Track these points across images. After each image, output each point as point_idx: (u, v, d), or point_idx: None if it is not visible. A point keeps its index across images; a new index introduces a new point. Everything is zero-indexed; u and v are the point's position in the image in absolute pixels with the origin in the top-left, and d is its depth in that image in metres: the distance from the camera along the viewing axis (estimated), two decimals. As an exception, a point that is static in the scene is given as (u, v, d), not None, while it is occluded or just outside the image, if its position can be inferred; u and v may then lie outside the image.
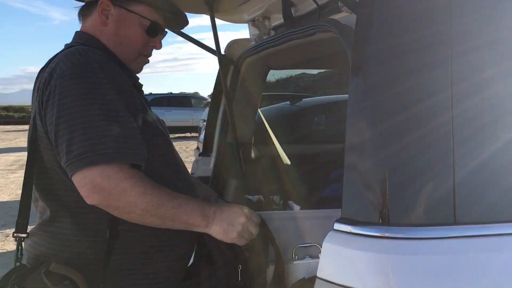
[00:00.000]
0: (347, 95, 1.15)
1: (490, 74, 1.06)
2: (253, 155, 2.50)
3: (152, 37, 1.58)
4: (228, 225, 1.41)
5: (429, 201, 1.02)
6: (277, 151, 2.55)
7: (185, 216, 1.36)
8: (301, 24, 1.67)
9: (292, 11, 1.87)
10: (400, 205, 1.03)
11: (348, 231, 1.04)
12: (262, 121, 2.68)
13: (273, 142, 2.58)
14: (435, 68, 1.07)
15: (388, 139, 1.07)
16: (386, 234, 1.01)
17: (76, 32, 1.58)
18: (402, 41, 1.10)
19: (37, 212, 1.49)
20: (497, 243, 0.99)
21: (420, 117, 1.05)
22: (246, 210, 1.46)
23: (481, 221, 0.99)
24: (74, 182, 1.30)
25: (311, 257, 1.71)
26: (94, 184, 1.27)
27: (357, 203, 1.07)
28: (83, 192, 1.29)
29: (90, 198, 1.29)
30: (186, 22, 1.70)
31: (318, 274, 1.04)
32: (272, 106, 5.89)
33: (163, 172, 1.46)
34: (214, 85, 2.51)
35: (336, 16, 1.55)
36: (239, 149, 2.36)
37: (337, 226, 1.06)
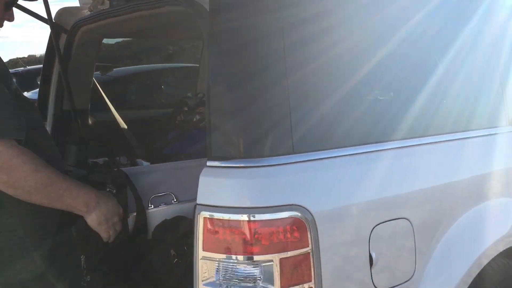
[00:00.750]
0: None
1: (317, 45, 1.44)
2: (90, 121, 2.59)
3: (7, 10, 1.60)
4: (104, 219, 1.55)
5: (274, 139, 1.36)
6: (114, 117, 2.68)
7: (70, 200, 1.47)
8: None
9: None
10: (253, 144, 1.36)
11: (217, 165, 1.34)
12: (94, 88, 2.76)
13: (108, 108, 2.70)
14: (271, 38, 1.39)
15: (240, 94, 1.37)
16: (243, 165, 1.33)
17: None
18: (244, 14, 1.39)
19: None
20: (324, 164, 1.39)
21: (260, 72, 1.37)
22: (121, 211, 1.63)
23: (312, 150, 1.38)
24: None
25: (166, 204, 1.96)
26: None
27: (222, 145, 1.36)
28: None
29: None
30: None
31: (198, 201, 1.32)
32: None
33: (37, 139, 1.53)
34: (45, 54, 2.49)
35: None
36: (77, 116, 2.43)
37: (209, 163, 1.34)
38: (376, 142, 1.52)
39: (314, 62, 1.43)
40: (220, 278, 1.31)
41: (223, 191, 1.32)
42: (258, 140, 1.36)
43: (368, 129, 1.52)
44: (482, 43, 1.88)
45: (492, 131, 1.84)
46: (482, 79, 1.88)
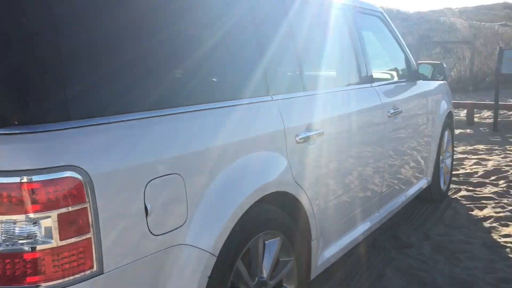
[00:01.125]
0: None
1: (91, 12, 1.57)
2: None
3: None
4: None
5: (50, 106, 1.48)
6: None
7: None
8: None
9: None
10: (30, 111, 1.45)
11: (-7, 133, 1.41)
12: None
13: None
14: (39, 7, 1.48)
15: (11, 63, 1.45)
16: (19, 131, 1.42)
17: None
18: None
19: None
20: (100, 130, 1.55)
21: (32, 39, 1.46)
22: None
23: (88, 116, 1.53)
24: None
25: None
26: None
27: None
28: None
29: None
30: None
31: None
32: None
33: None
34: None
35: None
36: None
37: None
38: (150, 110, 1.73)
39: (88, 30, 1.58)
40: (1, 239, 1.40)
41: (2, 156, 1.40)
42: (35, 108, 1.46)
43: (142, 97, 1.72)
44: (243, 23, 2.23)
45: (255, 99, 2.20)
46: (247, 55, 2.22)
